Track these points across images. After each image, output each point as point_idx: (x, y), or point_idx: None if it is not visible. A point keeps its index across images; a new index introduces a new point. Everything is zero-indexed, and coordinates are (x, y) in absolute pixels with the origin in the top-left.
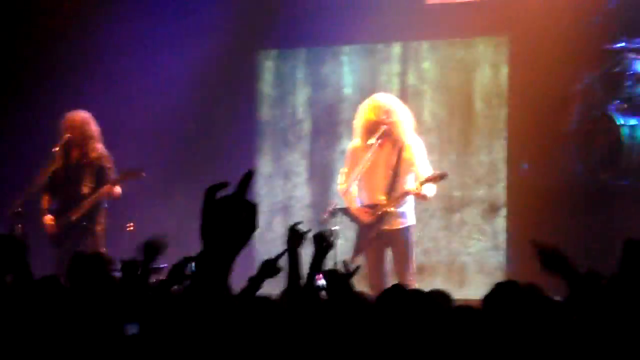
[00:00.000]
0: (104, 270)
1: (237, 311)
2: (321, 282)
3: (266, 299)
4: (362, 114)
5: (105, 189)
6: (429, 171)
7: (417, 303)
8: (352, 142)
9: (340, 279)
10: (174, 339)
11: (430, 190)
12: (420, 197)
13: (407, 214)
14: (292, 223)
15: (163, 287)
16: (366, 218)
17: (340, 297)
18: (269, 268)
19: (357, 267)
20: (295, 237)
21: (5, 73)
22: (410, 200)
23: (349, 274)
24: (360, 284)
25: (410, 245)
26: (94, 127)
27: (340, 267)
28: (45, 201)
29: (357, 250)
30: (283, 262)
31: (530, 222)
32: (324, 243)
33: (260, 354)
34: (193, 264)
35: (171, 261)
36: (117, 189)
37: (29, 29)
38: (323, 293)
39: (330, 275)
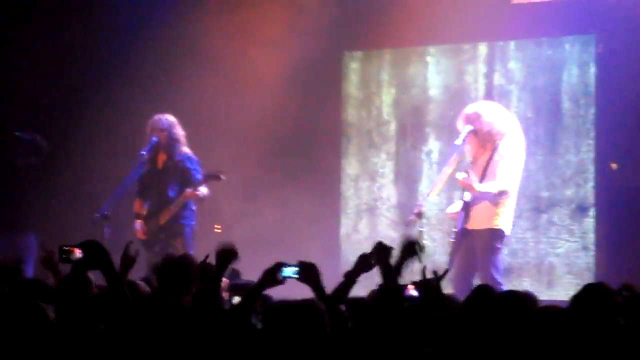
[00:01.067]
0: (193, 272)
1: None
2: (412, 292)
3: (360, 300)
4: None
5: (188, 192)
6: (514, 176)
7: (501, 305)
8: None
9: (433, 289)
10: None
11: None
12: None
13: (493, 215)
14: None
15: (256, 290)
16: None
17: (432, 304)
18: (364, 263)
19: (446, 271)
20: (383, 252)
21: (95, 76)
22: (505, 202)
23: (439, 282)
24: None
25: (493, 248)
26: (180, 131)
27: (430, 275)
28: (137, 205)
29: (452, 250)
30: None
31: (619, 223)
32: (410, 252)
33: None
34: (287, 269)
35: (261, 265)
36: (202, 191)
37: (115, 34)
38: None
39: (423, 286)
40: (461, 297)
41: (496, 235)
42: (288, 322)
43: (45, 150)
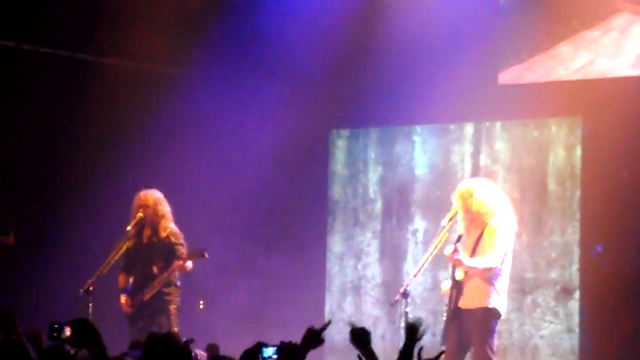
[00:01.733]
0: (179, 350)
1: None
2: None
3: None
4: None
5: (176, 263)
6: (502, 252)
7: None
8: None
9: None
10: None
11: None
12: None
13: (486, 293)
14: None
15: None
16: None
17: None
18: (313, 338)
19: (441, 353)
20: (360, 337)
21: (79, 151)
22: (497, 281)
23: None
24: None
25: (487, 328)
26: (165, 207)
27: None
28: (121, 280)
29: (445, 330)
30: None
31: (604, 305)
32: (415, 334)
33: None
34: (267, 349)
35: (243, 341)
36: (189, 264)
37: (103, 107)
38: None
39: None
40: None
41: (490, 314)
42: None
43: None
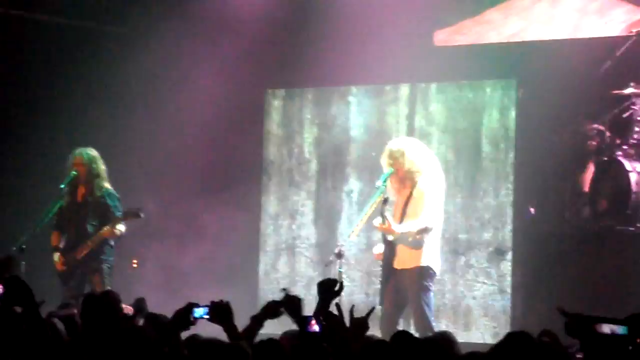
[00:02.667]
0: (115, 309)
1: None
2: (315, 327)
3: (271, 341)
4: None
5: (105, 230)
6: (434, 212)
7: (421, 350)
8: None
9: (335, 324)
10: None
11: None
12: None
13: (419, 253)
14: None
15: (168, 333)
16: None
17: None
18: (272, 310)
19: (371, 310)
20: (292, 303)
21: (17, 108)
22: (429, 240)
23: (342, 317)
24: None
25: (422, 286)
26: (101, 166)
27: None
28: (54, 238)
29: (381, 293)
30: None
31: (536, 267)
32: (328, 291)
33: None
34: (198, 310)
35: (178, 301)
36: (119, 230)
37: (40, 66)
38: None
39: (325, 320)
40: (387, 338)
41: (425, 273)
42: None
43: None
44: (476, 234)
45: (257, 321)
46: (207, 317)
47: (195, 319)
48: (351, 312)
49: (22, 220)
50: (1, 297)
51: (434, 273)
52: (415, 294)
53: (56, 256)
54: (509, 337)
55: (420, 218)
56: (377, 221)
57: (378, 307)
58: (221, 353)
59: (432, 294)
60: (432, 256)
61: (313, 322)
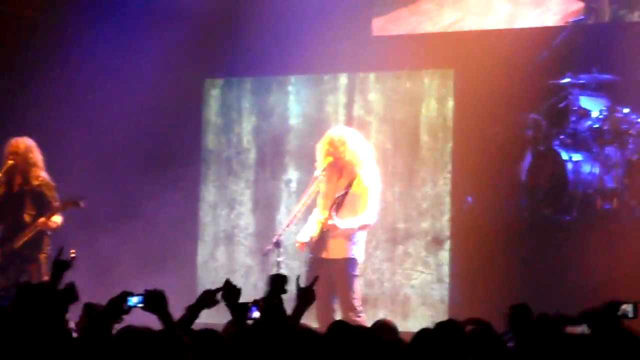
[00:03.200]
0: (49, 300)
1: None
2: (256, 314)
3: (210, 331)
4: (318, 148)
5: (40, 222)
6: (375, 209)
7: (361, 339)
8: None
9: (275, 309)
10: None
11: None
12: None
13: (351, 246)
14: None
15: (101, 321)
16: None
17: (276, 328)
18: (208, 299)
19: (316, 278)
20: (230, 293)
21: None
22: (360, 233)
23: (281, 303)
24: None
25: (352, 277)
26: (37, 155)
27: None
28: None
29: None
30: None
31: (474, 256)
32: (277, 286)
33: None
34: (133, 298)
35: (111, 291)
36: (55, 221)
37: None
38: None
39: (265, 305)
40: (324, 326)
41: (353, 263)
42: (151, 354)
43: None
44: (414, 223)
45: (193, 310)
46: (141, 305)
47: (130, 307)
48: (297, 282)
49: None
50: None
51: (359, 262)
52: (344, 284)
53: None
54: (439, 325)
55: (363, 215)
56: (321, 216)
57: None
58: (158, 343)
59: (358, 280)
60: (360, 249)
61: (254, 309)
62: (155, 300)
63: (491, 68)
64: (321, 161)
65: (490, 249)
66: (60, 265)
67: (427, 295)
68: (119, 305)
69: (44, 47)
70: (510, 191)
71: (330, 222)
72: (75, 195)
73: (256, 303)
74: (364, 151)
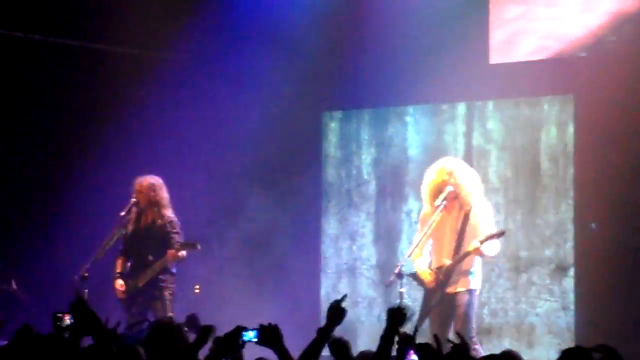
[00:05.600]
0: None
1: None
2: (413, 357)
3: None
4: (428, 179)
5: (170, 253)
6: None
7: None
8: (422, 210)
9: (434, 355)
10: None
11: (490, 248)
12: (479, 254)
13: (471, 277)
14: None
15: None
16: (430, 284)
17: None
18: (336, 313)
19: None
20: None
21: (77, 137)
22: (476, 264)
23: (440, 348)
24: None
25: (471, 308)
26: (162, 193)
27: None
28: (118, 265)
29: (423, 314)
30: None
31: (599, 282)
32: (399, 318)
33: None
34: (248, 333)
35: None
36: (182, 254)
37: (102, 95)
38: None
39: (424, 350)
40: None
41: (474, 295)
42: None
43: None
44: (537, 250)
45: (325, 330)
46: (256, 340)
47: (244, 342)
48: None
49: (83, 247)
50: (70, 326)
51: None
52: (465, 317)
53: (118, 283)
54: (566, 353)
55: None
56: (474, 245)
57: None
58: None
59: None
60: (479, 278)
61: (411, 352)
62: (270, 335)
63: (611, 92)
64: (433, 191)
65: (615, 275)
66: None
67: (553, 324)
68: (234, 340)
69: (161, 85)
70: (634, 216)
71: (473, 247)
72: (193, 239)
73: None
74: (476, 181)
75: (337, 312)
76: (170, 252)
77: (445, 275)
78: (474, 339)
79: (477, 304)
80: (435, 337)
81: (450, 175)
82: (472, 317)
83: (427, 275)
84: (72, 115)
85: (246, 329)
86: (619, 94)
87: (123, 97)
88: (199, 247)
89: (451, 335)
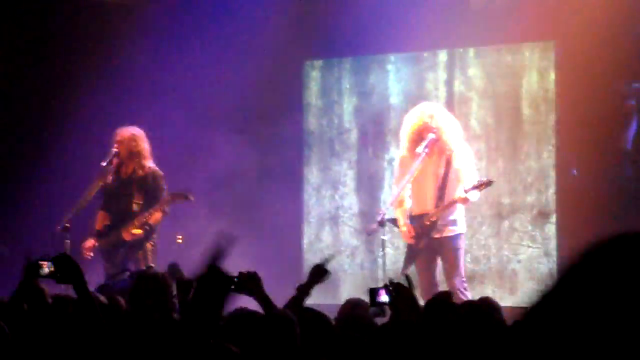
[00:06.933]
0: (166, 293)
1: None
2: (383, 297)
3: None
4: (408, 123)
5: (155, 213)
6: (476, 179)
7: (463, 314)
8: (400, 153)
9: (406, 293)
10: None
11: (473, 196)
12: (465, 203)
13: (457, 222)
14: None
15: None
16: (411, 239)
17: (407, 311)
18: (319, 273)
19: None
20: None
21: (57, 87)
22: (460, 207)
23: (412, 287)
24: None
25: (460, 253)
26: (143, 144)
27: (402, 281)
28: (99, 219)
29: (409, 260)
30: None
31: (580, 228)
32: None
33: None
34: None
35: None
36: (166, 210)
37: (84, 45)
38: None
39: (395, 289)
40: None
41: (461, 239)
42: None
43: None
44: (519, 197)
45: (305, 288)
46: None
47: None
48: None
49: (65, 198)
50: (49, 275)
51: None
52: (454, 261)
53: (89, 242)
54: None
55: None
56: (460, 194)
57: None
58: (263, 324)
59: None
60: (463, 222)
61: (382, 291)
62: (248, 282)
63: (592, 38)
64: (414, 135)
65: (597, 221)
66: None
67: (535, 270)
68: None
69: (138, 34)
70: (616, 162)
71: (459, 196)
72: (185, 189)
73: (386, 287)
74: (457, 125)
75: (320, 272)
76: (154, 209)
77: (431, 222)
78: (465, 285)
79: (464, 248)
80: (406, 276)
81: (431, 119)
82: (462, 261)
83: (409, 226)
84: (53, 66)
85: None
86: (599, 39)
87: (102, 46)
88: (191, 197)
89: (438, 279)
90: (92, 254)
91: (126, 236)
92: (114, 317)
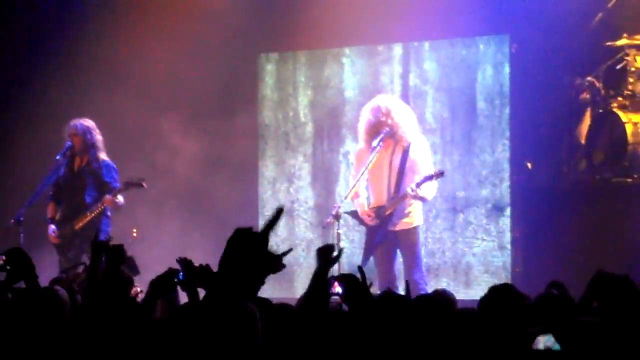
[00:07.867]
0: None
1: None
2: (337, 289)
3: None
4: (364, 117)
5: (107, 199)
6: (431, 171)
7: (417, 307)
8: (357, 146)
9: (359, 285)
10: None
11: (428, 191)
12: (418, 198)
13: (413, 214)
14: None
15: (149, 300)
16: (371, 222)
17: (359, 303)
18: (272, 264)
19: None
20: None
21: (9, 79)
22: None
23: (365, 280)
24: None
25: (418, 247)
26: (96, 136)
27: (357, 275)
28: (50, 210)
29: (367, 252)
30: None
31: (535, 221)
32: (327, 257)
33: None
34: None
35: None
36: (119, 200)
37: (35, 38)
38: (336, 300)
39: (348, 282)
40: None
41: (419, 231)
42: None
43: None
44: (474, 191)
45: (258, 277)
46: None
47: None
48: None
49: (19, 192)
50: (2, 268)
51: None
52: (412, 254)
53: (51, 228)
54: (492, 290)
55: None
56: (412, 189)
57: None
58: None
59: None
60: (420, 214)
61: (335, 283)
62: (195, 275)
63: (546, 32)
64: (370, 129)
65: (551, 214)
66: (98, 247)
67: (489, 263)
68: (168, 282)
69: (94, 32)
70: (570, 155)
71: (421, 194)
72: (138, 177)
73: (338, 279)
74: (413, 119)
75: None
76: (108, 198)
77: (387, 214)
78: (426, 279)
79: (421, 240)
80: (359, 268)
81: (387, 116)
82: (421, 253)
83: (367, 216)
84: (4, 61)
85: (179, 271)
86: (553, 34)
87: (54, 39)
88: (144, 184)
89: (397, 272)
90: (58, 239)
91: (76, 226)
92: (71, 311)
